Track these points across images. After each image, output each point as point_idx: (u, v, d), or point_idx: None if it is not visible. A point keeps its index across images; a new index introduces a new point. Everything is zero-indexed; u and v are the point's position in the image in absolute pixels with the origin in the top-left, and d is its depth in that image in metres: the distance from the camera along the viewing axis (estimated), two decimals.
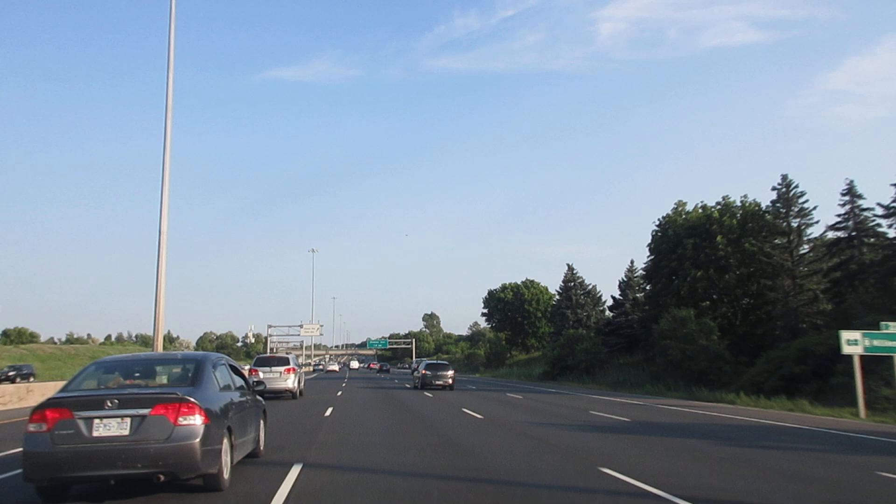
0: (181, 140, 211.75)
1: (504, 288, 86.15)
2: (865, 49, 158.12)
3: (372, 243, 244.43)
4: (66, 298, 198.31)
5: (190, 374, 7.45)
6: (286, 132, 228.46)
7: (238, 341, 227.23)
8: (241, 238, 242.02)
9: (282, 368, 24.56)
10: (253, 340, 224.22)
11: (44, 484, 6.45)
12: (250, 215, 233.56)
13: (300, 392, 25.80)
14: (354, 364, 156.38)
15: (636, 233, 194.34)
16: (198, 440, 6.48)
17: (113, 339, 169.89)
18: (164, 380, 7.72)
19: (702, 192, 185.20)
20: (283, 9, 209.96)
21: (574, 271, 64.63)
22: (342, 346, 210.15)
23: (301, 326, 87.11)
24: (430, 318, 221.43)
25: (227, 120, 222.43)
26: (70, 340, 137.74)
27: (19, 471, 6.68)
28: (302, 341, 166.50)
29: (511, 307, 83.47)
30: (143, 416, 6.38)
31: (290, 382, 24.40)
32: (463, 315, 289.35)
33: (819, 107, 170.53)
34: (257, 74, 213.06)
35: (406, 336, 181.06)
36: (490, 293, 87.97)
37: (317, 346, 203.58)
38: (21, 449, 6.50)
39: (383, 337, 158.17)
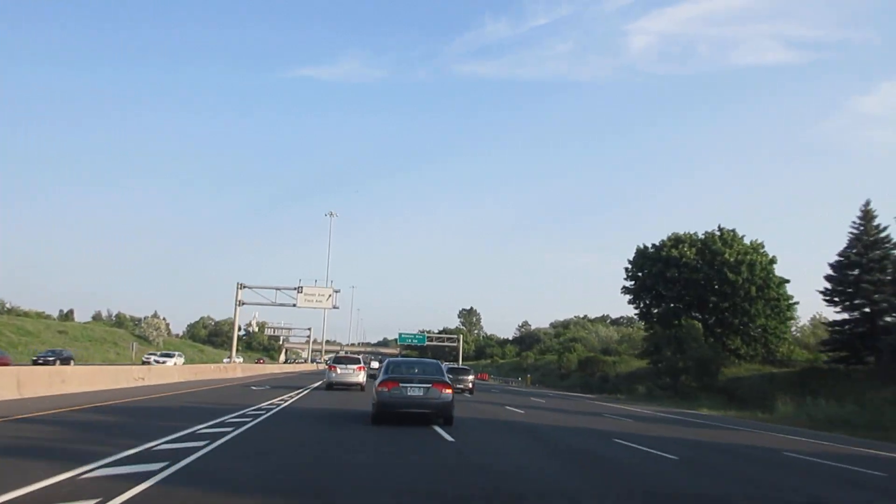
0: (204, 133, 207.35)
1: (676, 241, 46.75)
2: None
3: (392, 243, 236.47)
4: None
5: (439, 369, 15.70)
6: (310, 129, 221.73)
7: (240, 329, 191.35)
8: (256, 231, 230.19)
9: (354, 366, 29.33)
10: (256, 329, 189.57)
11: (383, 413, 14.12)
12: (270, 209, 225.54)
13: (363, 386, 29.35)
14: (374, 364, 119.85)
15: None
16: (450, 400, 14.20)
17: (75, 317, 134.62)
18: (425, 370, 15.51)
19: (724, 210, 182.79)
20: (313, 8, 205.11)
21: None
22: (358, 343, 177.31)
23: (300, 290, 49.32)
24: (469, 315, 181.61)
25: (251, 116, 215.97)
26: None
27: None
28: (309, 332, 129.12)
29: (692, 275, 45.57)
30: (429, 387, 14.06)
31: (361, 377, 29.15)
32: (500, 317, 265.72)
33: (849, 129, 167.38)
34: (285, 72, 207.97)
35: (444, 332, 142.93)
36: (642, 251, 48.77)
37: (329, 343, 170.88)
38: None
39: (420, 331, 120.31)
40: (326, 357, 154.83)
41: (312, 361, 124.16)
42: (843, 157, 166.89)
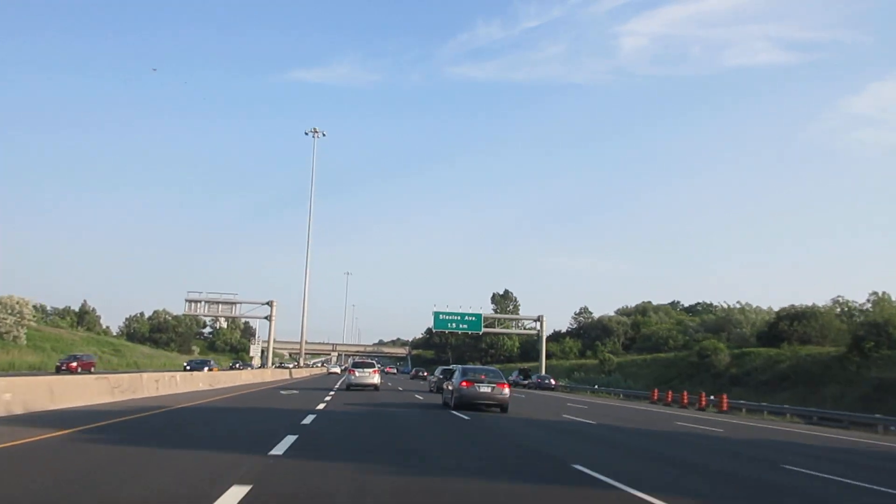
0: (196, 138, 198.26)
1: None
2: (889, 74, 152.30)
3: (389, 243, 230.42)
4: None
5: (499, 374, 23.60)
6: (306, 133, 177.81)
7: (204, 326, 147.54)
8: (250, 235, 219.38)
9: (370, 370, 35.07)
10: (225, 325, 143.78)
11: (460, 404, 21.87)
12: (264, 214, 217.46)
13: (378, 387, 35.57)
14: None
15: (649, 249, 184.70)
16: (508, 396, 22.43)
17: None
18: (488, 374, 23.39)
19: (715, 211, 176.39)
20: (307, 12, 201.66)
21: None
22: (353, 345, 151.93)
23: None
24: (503, 301, 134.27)
25: (246, 120, 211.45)
26: None
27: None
28: (270, 308, 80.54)
29: None
30: (494, 386, 22.10)
31: (375, 379, 34.59)
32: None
33: (840, 130, 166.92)
34: (280, 75, 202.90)
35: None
36: None
37: (321, 344, 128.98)
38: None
39: (463, 312, 69.65)
40: (313, 361, 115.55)
41: (280, 366, 77.85)
42: (837, 159, 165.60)
